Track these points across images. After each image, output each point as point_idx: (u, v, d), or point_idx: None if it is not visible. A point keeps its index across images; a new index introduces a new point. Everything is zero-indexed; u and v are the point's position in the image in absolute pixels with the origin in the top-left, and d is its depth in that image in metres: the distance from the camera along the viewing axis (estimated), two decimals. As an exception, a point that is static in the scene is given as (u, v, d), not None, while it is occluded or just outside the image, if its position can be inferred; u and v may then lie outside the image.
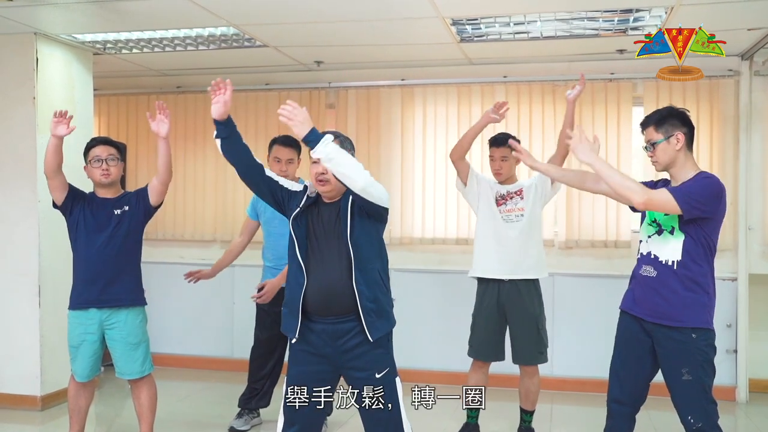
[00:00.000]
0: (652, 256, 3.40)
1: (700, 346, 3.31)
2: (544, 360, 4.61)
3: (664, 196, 3.24)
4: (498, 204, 4.62)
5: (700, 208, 3.24)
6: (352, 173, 2.99)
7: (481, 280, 4.66)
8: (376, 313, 3.14)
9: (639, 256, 3.50)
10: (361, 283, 3.11)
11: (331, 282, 3.13)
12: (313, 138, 2.96)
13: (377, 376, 3.14)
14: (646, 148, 3.48)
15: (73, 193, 4.16)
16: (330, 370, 3.20)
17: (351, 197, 3.13)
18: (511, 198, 4.61)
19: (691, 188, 3.28)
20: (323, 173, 3.13)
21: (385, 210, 3.19)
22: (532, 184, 4.64)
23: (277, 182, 3.31)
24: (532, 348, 4.54)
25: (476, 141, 6.07)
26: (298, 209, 3.21)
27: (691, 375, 3.30)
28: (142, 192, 4.22)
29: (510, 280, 4.54)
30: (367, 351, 3.14)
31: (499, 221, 4.60)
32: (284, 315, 3.27)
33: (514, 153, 3.89)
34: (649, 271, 3.41)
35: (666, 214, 3.34)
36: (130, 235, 4.14)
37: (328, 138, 2.98)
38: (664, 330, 3.35)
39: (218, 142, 3.29)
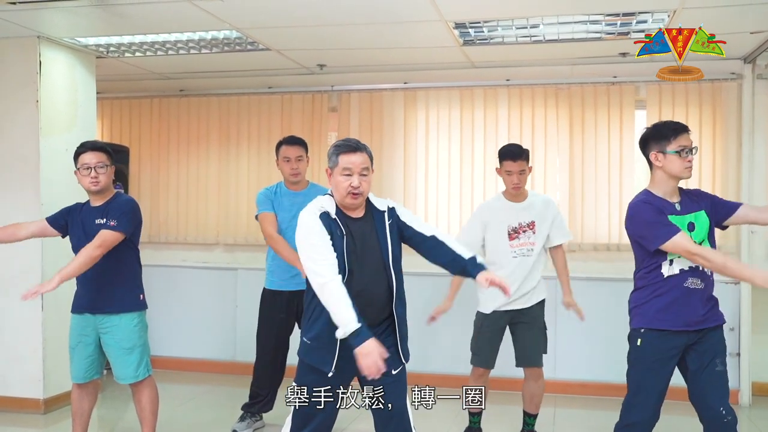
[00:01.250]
0: (701, 269, 3.41)
1: (725, 339, 3.54)
2: (542, 362, 4.62)
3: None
4: (510, 238, 4.48)
5: None
6: None
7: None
8: (407, 337, 3.22)
9: (685, 269, 3.41)
10: (399, 306, 3.18)
11: (371, 308, 3.10)
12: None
13: (393, 372, 3.15)
14: (690, 151, 3.45)
15: (58, 221, 4.16)
16: (344, 375, 3.16)
17: (387, 218, 3.18)
18: (524, 231, 4.49)
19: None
20: (357, 187, 3.07)
21: None
22: (547, 221, 4.52)
23: (336, 253, 3.08)
24: (537, 350, 4.54)
25: (479, 149, 6.10)
26: (345, 237, 3.09)
27: (723, 365, 3.44)
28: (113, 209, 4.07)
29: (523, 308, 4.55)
30: (387, 349, 3.12)
31: (508, 256, 4.47)
32: (313, 347, 3.17)
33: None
34: (696, 283, 3.41)
35: (699, 230, 3.43)
36: (117, 244, 4.02)
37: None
38: (706, 330, 3.45)
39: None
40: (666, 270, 3.43)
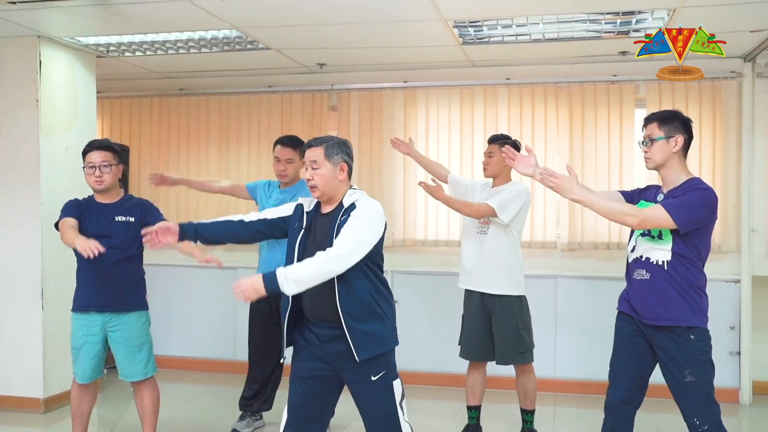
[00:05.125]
0: (644, 259, 3.41)
1: (700, 346, 3.34)
2: (527, 360, 4.58)
3: (659, 213, 3.26)
4: None
5: (696, 222, 3.29)
6: (325, 274, 2.97)
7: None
8: (365, 334, 3.09)
9: (631, 261, 3.51)
10: (346, 303, 3.07)
11: (316, 298, 3.12)
12: (272, 287, 2.93)
13: (373, 378, 3.14)
14: (643, 142, 3.49)
15: (74, 215, 4.12)
16: (328, 368, 3.21)
17: (342, 213, 3.13)
18: None
19: (687, 202, 3.28)
20: (310, 179, 3.18)
21: (378, 242, 3.15)
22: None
23: (270, 220, 3.34)
24: (512, 348, 4.53)
25: (478, 148, 6.12)
26: (303, 231, 3.22)
27: (694, 376, 3.32)
28: (151, 216, 4.13)
29: (484, 292, 4.57)
30: (343, 352, 3.15)
31: (473, 231, 4.64)
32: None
33: (503, 155, 3.82)
34: (642, 274, 3.42)
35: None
36: (134, 242, 4.10)
37: (281, 276, 2.92)
38: (663, 331, 3.37)
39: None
40: (629, 256, 3.53)
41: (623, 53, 5.62)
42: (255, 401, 4.93)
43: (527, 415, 4.71)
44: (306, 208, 3.28)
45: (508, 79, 6.23)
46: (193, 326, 6.84)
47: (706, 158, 5.89)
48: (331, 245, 3.04)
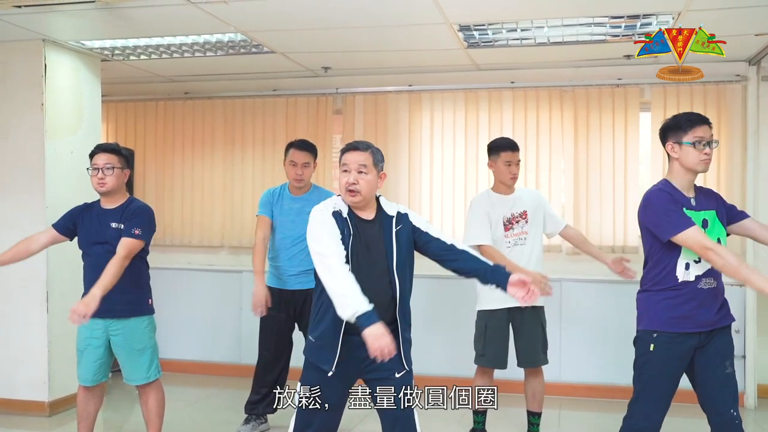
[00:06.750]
0: (710, 266, 3.30)
1: (732, 339, 3.47)
2: (547, 360, 4.63)
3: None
4: (506, 229, 4.54)
5: None
6: None
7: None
8: (408, 343, 3.20)
9: (700, 274, 3.31)
10: (402, 311, 3.14)
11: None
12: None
13: (396, 376, 3.15)
14: (708, 144, 3.38)
15: (66, 226, 4.16)
16: (345, 374, 3.18)
17: (395, 223, 3.15)
18: (517, 222, 4.56)
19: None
20: (354, 183, 3.12)
21: None
22: (536, 209, 4.59)
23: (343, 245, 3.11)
24: (539, 350, 4.56)
25: (483, 152, 6.09)
26: (353, 238, 3.11)
27: (732, 367, 3.37)
28: (130, 224, 4.05)
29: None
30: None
31: (503, 247, 4.51)
32: (317, 346, 3.17)
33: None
34: (710, 282, 3.32)
35: (712, 228, 3.36)
36: None
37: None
38: (717, 330, 3.38)
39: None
40: (681, 274, 3.31)
41: (628, 57, 5.62)
42: (261, 404, 4.94)
43: (534, 418, 4.70)
44: (344, 214, 3.16)
45: (512, 82, 6.23)
46: (198, 330, 6.83)
47: (712, 162, 5.85)
48: (391, 259, 3.11)
